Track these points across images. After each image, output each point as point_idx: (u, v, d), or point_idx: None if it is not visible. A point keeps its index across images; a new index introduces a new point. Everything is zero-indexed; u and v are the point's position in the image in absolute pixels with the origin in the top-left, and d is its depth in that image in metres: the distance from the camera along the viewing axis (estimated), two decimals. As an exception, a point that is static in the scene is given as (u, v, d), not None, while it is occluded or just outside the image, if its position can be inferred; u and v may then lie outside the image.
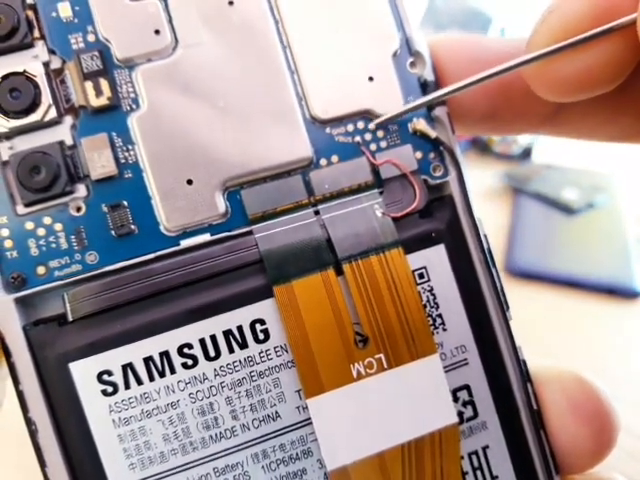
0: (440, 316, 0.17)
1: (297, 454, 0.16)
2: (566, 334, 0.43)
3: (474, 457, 0.17)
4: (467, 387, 0.17)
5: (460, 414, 0.17)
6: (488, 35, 0.79)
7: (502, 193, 0.61)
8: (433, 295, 0.17)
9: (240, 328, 0.16)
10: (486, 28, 0.79)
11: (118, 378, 0.15)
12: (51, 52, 0.16)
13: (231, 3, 0.17)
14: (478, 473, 0.17)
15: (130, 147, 0.16)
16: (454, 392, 0.17)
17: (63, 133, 0.16)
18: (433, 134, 0.18)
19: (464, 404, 0.17)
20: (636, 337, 0.43)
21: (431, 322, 0.17)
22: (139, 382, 0.16)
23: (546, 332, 0.43)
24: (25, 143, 0.16)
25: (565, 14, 0.14)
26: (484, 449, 0.17)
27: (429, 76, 0.18)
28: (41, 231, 0.16)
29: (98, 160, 0.16)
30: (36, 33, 0.16)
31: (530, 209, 0.58)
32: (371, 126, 0.17)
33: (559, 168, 0.63)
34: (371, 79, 0.17)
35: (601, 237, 0.54)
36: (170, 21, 0.17)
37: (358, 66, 0.17)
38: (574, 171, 0.63)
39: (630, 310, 0.47)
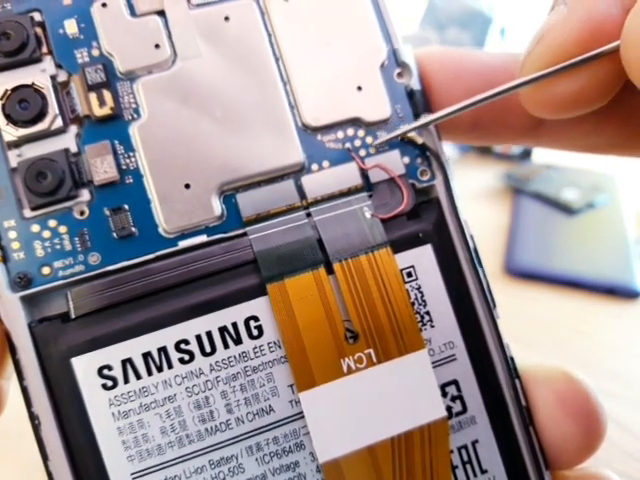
0: (428, 313, 0.17)
1: (290, 447, 0.16)
2: (566, 334, 0.44)
3: (463, 451, 0.17)
4: (455, 382, 0.17)
5: (449, 409, 0.17)
6: (488, 35, 0.79)
7: (502, 193, 0.61)
8: (421, 293, 0.18)
9: (235, 325, 0.17)
10: (486, 28, 0.79)
11: (118, 373, 0.16)
12: (58, 66, 0.17)
13: (227, 18, 0.18)
14: (468, 467, 0.17)
15: (131, 154, 0.17)
16: (443, 387, 0.17)
17: (68, 141, 0.17)
18: (420, 140, 0.18)
19: (453, 399, 0.17)
20: (636, 337, 0.43)
21: (419, 319, 0.17)
22: (138, 376, 0.16)
23: (546, 332, 0.43)
24: (32, 150, 0.17)
25: (554, 40, 0.15)
26: (473, 443, 0.17)
27: (415, 86, 0.19)
28: (46, 233, 0.17)
29: (101, 166, 0.17)
30: (44, 48, 0.17)
31: (530, 209, 0.57)
32: (375, 145, 0.18)
33: (559, 168, 0.63)
34: (360, 89, 0.18)
35: (601, 237, 0.54)
36: (169, 36, 0.18)
37: (347, 76, 0.18)
38: (574, 171, 0.63)
39: (630, 310, 0.46)
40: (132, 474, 0.16)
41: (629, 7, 0.14)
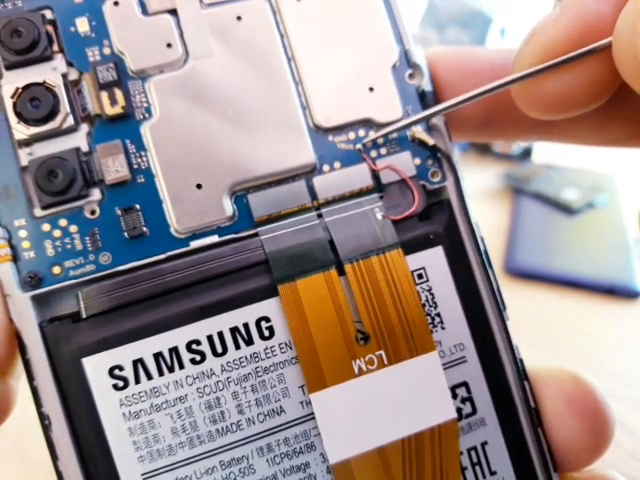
0: (439, 315, 0.18)
1: (301, 448, 0.16)
2: (566, 334, 0.44)
3: (473, 453, 0.17)
4: (465, 384, 0.17)
5: (459, 410, 0.17)
6: (488, 35, 0.79)
7: (502, 193, 0.61)
8: (432, 295, 0.18)
9: (246, 325, 0.17)
10: (486, 28, 0.79)
11: (129, 373, 0.16)
12: (69, 64, 0.17)
13: (239, 18, 0.18)
14: (477, 468, 0.17)
15: (143, 153, 0.17)
16: (453, 389, 0.17)
17: (79, 140, 0.17)
18: (431, 141, 0.18)
19: (463, 400, 0.17)
20: (636, 337, 0.43)
21: (430, 321, 0.17)
22: (149, 377, 0.16)
23: (546, 332, 0.43)
24: (43, 149, 0.17)
25: (546, 37, 0.15)
26: (483, 445, 0.17)
27: (427, 87, 0.19)
28: (57, 233, 0.17)
29: (112, 165, 0.17)
30: (55, 47, 0.17)
31: (530, 209, 0.58)
32: (367, 141, 0.18)
33: (559, 168, 0.63)
34: (371, 89, 0.18)
35: (601, 237, 0.54)
36: (181, 35, 0.18)
37: (359, 77, 0.18)
38: (574, 171, 0.63)
39: (630, 310, 0.47)
40: (143, 474, 0.16)
41: (622, 5, 0.14)
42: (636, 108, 0.18)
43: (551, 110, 0.16)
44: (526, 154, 0.67)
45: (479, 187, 0.62)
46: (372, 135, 0.18)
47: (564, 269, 0.50)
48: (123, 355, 0.16)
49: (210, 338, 0.16)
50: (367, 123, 0.18)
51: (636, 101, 0.18)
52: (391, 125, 0.18)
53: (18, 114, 0.16)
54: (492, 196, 0.61)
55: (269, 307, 0.17)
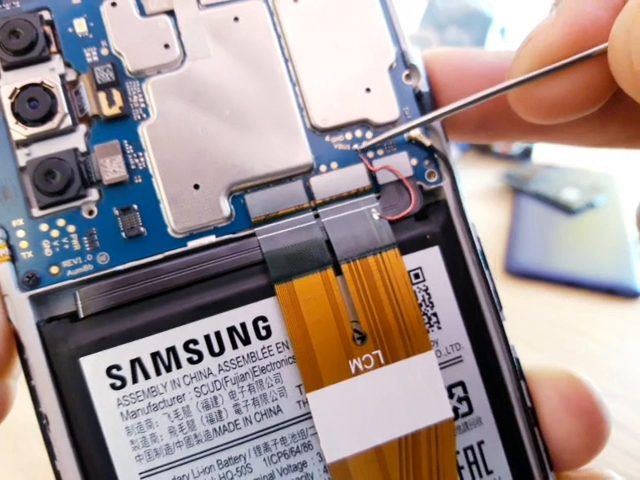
0: (435, 315, 0.18)
1: (297, 447, 0.17)
2: (566, 334, 0.44)
3: (469, 452, 0.17)
4: (462, 384, 0.18)
5: (455, 410, 0.17)
6: (488, 35, 0.79)
7: (502, 193, 0.61)
8: (428, 294, 0.18)
9: (243, 325, 0.17)
10: (486, 28, 0.79)
11: (126, 372, 0.16)
12: (67, 65, 0.17)
13: (236, 19, 0.18)
14: (473, 467, 0.17)
15: (140, 154, 0.17)
16: (449, 388, 0.17)
17: (77, 140, 0.17)
18: (428, 142, 0.18)
19: (459, 400, 0.17)
20: (636, 337, 0.43)
21: (426, 320, 0.17)
22: (146, 376, 0.16)
23: (546, 332, 0.43)
24: (41, 150, 0.17)
25: (542, 42, 0.15)
26: (479, 444, 0.17)
27: (424, 87, 0.19)
28: (55, 233, 0.17)
29: (110, 166, 0.17)
30: (53, 47, 0.17)
31: (530, 209, 0.58)
32: (365, 146, 0.18)
33: (559, 168, 0.63)
34: (368, 90, 0.18)
35: (601, 237, 0.54)
36: (179, 36, 0.18)
37: (356, 78, 0.18)
38: (574, 171, 0.63)
39: (630, 310, 0.47)
40: (140, 473, 0.16)
41: (618, 10, 0.14)
42: (634, 110, 0.18)
43: (547, 115, 0.16)
44: (526, 154, 0.67)
45: (479, 187, 0.62)
46: (370, 140, 0.18)
47: (564, 269, 0.50)
48: (121, 355, 0.16)
49: (207, 338, 0.17)
50: (364, 124, 0.18)
51: (634, 103, 0.18)
52: (388, 129, 0.18)
53: (16, 115, 0.17)
54: (492, 196, 0.61)
55: (266, 307, 0.17)
